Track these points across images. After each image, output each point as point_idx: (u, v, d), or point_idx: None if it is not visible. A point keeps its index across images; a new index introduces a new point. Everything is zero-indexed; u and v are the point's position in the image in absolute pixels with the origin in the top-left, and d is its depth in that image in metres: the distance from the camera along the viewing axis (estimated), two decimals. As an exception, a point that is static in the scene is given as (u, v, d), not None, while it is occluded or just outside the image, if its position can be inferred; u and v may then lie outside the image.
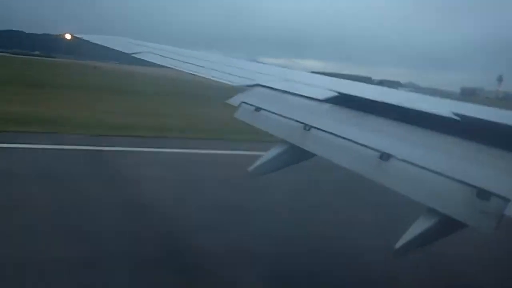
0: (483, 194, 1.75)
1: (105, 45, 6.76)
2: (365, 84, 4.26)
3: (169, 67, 5.28)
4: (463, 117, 2.42)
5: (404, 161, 2.19)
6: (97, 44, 7.28)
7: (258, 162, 3.04)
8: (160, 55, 5.69)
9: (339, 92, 3.23)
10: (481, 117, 2.48)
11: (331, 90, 3.35)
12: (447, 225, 1.90)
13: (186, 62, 5.18)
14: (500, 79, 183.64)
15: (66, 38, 9.76)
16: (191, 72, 4.82)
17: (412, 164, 2.13)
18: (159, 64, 5.48)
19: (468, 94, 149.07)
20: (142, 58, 5.85)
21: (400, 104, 2.69)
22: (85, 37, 7.94)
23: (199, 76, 4.65)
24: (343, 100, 3.07)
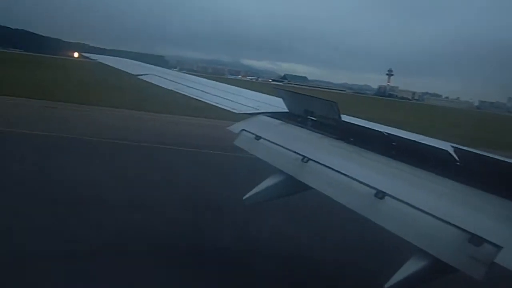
0: (475, 239, 1.77)
1: (115, 66, 6.95)
2: None
3: (175, 91, 5.42)
4: None
5: (398, 200, 2.24)
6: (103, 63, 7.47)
7: (254, 191, 3.07)
8: (165, 79, 5.86)
9: None
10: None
11: None
12: (438, 268, 1.93)
13: (190, 87, 5.33)
14: (390, 73, 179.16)
15: (74, 56, 10.08)
16: (197, 98, 4.95)
17: (407, 204, 2.19)
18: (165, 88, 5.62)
19: (381, 92, 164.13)
20: (148, 80, 6.03)
21: None
22: (93, 56, 8.16)
23: (204, 102, 4.77)
24: None
